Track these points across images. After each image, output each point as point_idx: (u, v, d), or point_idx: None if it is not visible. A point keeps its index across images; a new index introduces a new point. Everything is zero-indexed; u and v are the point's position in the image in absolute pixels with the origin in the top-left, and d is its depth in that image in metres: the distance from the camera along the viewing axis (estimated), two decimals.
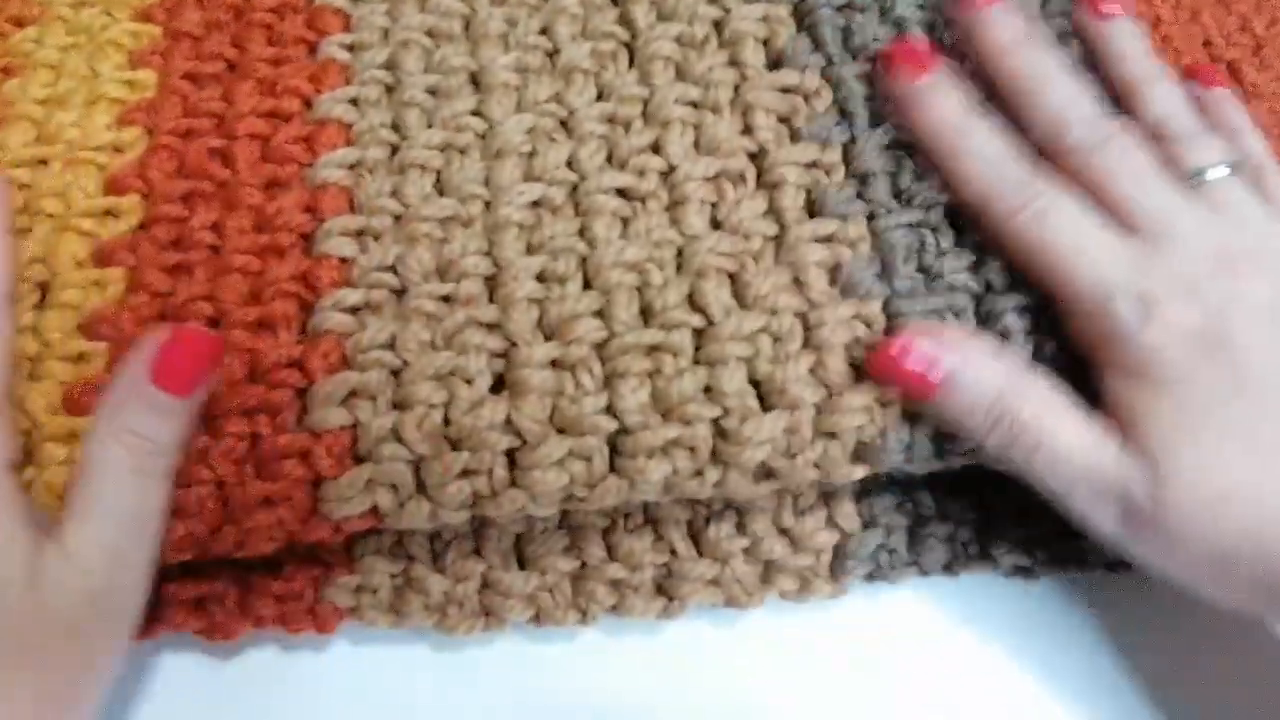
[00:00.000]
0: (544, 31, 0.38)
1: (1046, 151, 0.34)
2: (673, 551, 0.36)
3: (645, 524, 0.36)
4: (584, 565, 0.36)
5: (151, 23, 0.39)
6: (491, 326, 0.32)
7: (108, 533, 0.30)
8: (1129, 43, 0.36)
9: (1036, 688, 0.36)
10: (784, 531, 0.36)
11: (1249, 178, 0.34)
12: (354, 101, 0.37)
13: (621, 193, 0.35)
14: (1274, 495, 0.30)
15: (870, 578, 0.37)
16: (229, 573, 0.34)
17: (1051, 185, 0.33)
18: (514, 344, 0.32)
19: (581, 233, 0.34)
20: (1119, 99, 0.35)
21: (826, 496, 0.36)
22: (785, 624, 0.37)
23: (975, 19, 0.35)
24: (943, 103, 0.34)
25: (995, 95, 0.35)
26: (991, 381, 0.31)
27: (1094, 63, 0.36)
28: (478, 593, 0.36)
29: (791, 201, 0.34)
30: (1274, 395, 0.30)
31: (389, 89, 0.37)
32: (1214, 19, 0.43)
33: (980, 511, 0.37)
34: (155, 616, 0.34)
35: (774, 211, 0.34)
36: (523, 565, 0.36)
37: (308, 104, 0.37)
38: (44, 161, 0.36)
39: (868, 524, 0.36)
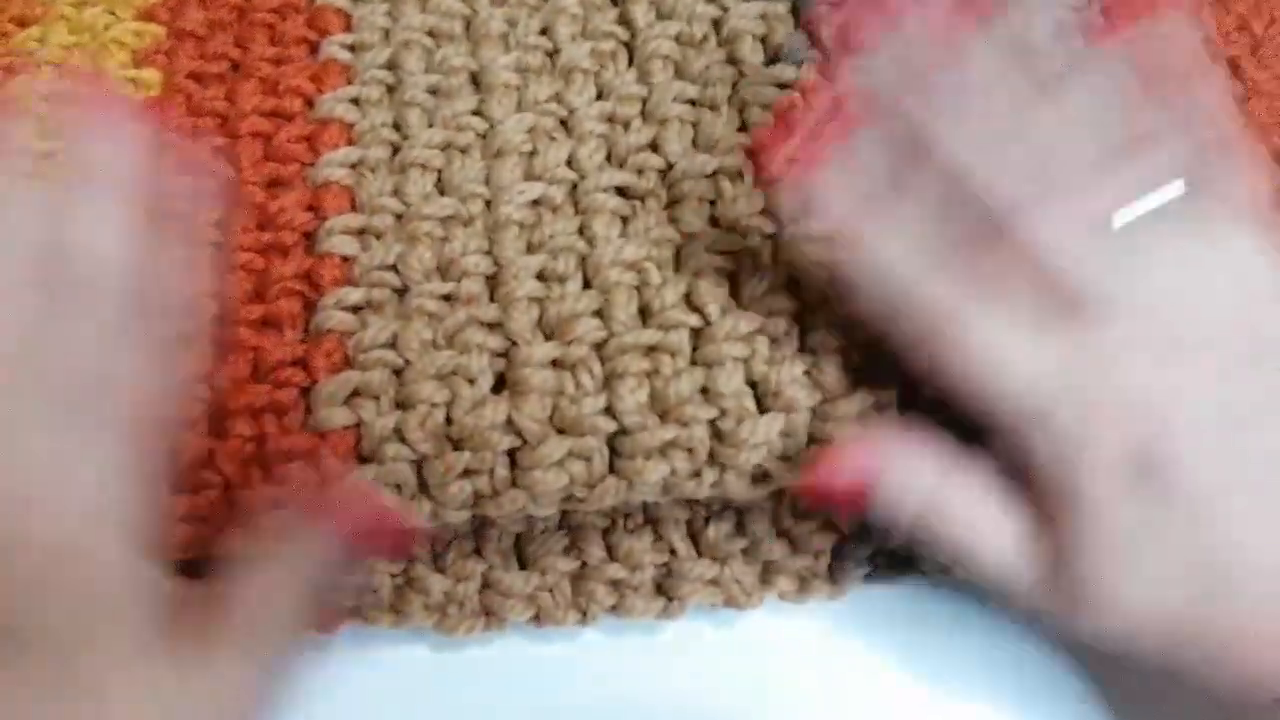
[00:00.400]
0: (544, 31, 0.38)
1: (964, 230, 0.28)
2: (672, 551, 0.36)
3: (645, 524, 0.36)
4: (584, 565, 0.36)
5: (155, 22, 0.39)
6: (492, 325, 0.33)
7: (260, 671, 0.27)
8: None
9: (1036, 688, 0.36)
10: (783, 532, 0.36)
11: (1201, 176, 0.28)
12: (355, 101, 0.37)
13: (621, 191, 0.35)
14: (1185, 628, 0.28)
15: (869, 579, 0.37)
16: None
17: (963, 287, 0.28)
18: (514, 343, 0.32)
19: (581, 231, 0.34)
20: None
21: None
22: (785, 624, 0.37)
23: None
24: (830, 209, 0.29)
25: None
26: (915, 498, 0.29)
27: None
28: (478, 593, 0.35)
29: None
30: (1204, 521, 0.27)
31: (390, 89, 0.37)
32: (1212, 18, 0.42)
33: None
34: None
35: (770, 210, 0.34)
36: (523, 565, 0.36)
37: (309, 104, 0.37)
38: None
39: (866, 525, 0.36)
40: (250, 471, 0.31)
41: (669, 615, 0.36)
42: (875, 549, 0.36)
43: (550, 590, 0.36)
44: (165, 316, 0.29)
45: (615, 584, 0.36)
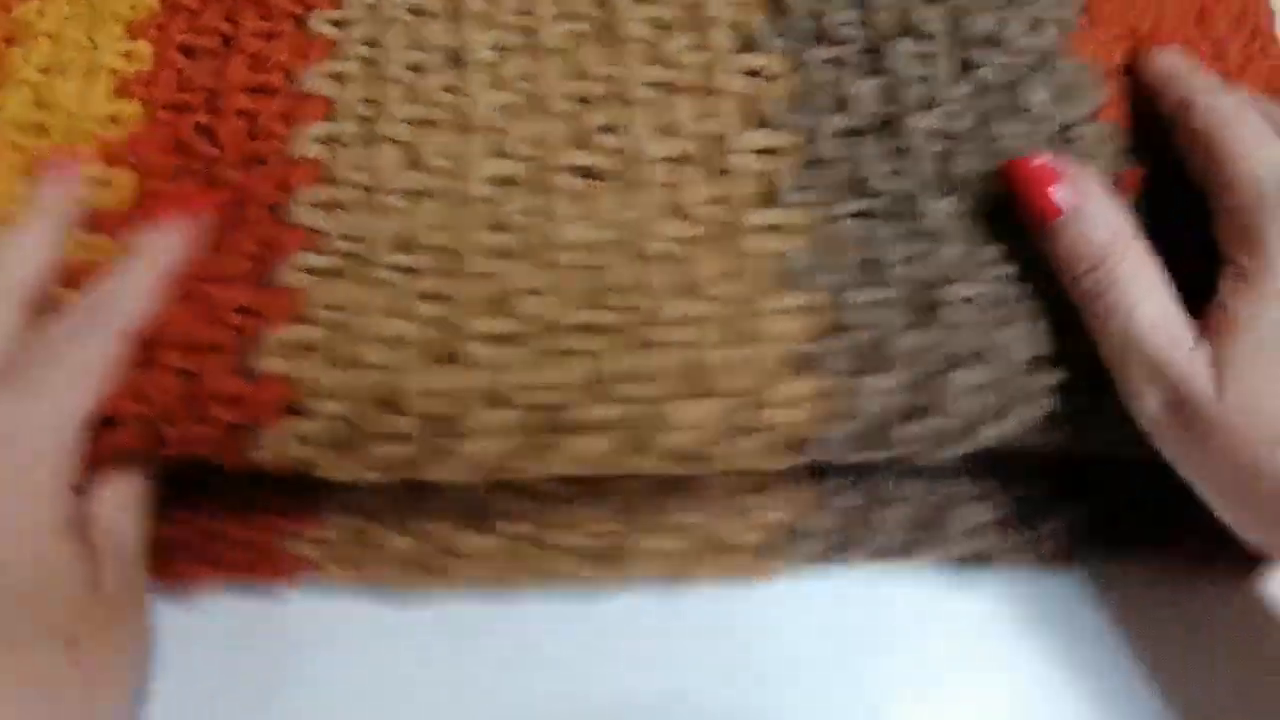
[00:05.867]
0: (525, 10, 0.39)
1: None
2: (627, 521, 0.37)
3: (600, 493, 0.37)
4: (541, 529, 0.37)
5: None
6: (442, 298, 0.33)
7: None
8: None
9: (1035, 686, 0.36)
10: (735, 507, 0.37)
11: None
12: (337, 76, 0.38)
13: (584, 172, 0.35)
14: None
15: (825, 557, 0.37)
16: (191, 523, 0.36)
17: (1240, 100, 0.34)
18: (461, 316, 0.33)
19: (540, 210, 0.35)
20: None
21: (779, 474, 0.36)
22: (785, 623, 0.37)
23: None
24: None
25: None
26: (1108, 227, 0.32)
27: None
28: (438, 553, 0.37)
29: (745, 189, 0.35)
30: None
31: (369, 63, 0.38)
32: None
33: (936, 496, 0.38)
34: None
35: (727, 199, 0.35)
36: (483, 527, 0.37)
37: (292, 79, 0.38)
38: (44, 127, 0.37)
39: (821, 503, 0.37)
40: (177, 407, 0.32)
41: (621, 583, 0.37)
42: (831, 525, 0.37)
43: (508, 554, 0.37)
44: None
45: (573, 550, 0.37)
